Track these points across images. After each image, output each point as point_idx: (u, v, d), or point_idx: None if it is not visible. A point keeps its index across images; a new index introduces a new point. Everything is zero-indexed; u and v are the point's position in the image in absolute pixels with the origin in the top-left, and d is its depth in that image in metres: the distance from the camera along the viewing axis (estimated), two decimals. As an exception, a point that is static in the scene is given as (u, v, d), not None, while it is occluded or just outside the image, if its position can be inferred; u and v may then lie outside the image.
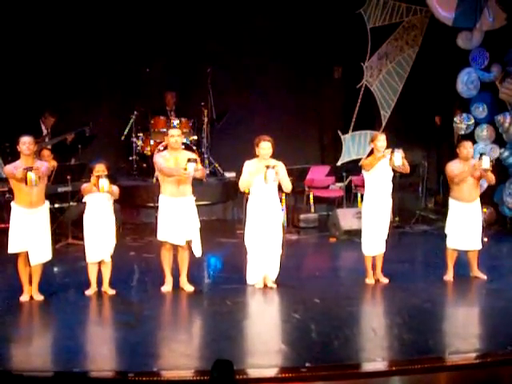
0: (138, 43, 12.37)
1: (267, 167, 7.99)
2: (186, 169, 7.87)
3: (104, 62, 12.31)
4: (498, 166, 11.45)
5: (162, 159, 8.11)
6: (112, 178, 8.08)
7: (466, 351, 6.56)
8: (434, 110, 12.65)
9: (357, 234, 9.15)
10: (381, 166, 8.40)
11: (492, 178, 8.63)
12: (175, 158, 8.06)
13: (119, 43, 12.28)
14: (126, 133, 12.34)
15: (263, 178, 8.01)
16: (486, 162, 8.35)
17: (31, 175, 7.41)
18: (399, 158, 8.29)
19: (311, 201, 11.98)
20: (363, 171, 8.55)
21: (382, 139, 8.43)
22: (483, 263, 8.85)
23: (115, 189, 8.00)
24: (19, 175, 7.45)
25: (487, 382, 5.99)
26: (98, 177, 7.75)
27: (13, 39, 11.77)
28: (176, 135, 8.15)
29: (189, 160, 7.91)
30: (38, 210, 7.69)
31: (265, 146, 8.14)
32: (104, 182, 7.74)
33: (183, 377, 5.98)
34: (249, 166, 8.22)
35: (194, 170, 7.90)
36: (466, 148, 8.53)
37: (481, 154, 8.55)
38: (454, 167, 8.54)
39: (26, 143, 7.56)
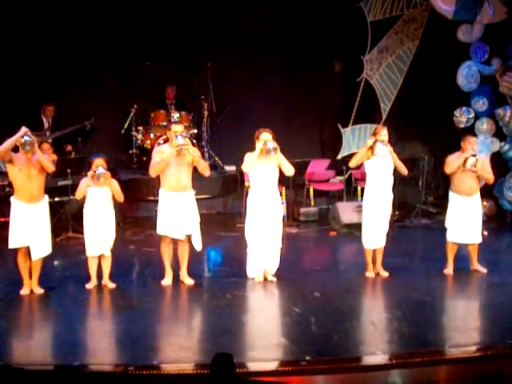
0: (138, 37, 12.35)
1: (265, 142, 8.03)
2: (176, 144, 7.89)
3: (104, 56, 12.28)
4: (498, 159, 11.48)
5: (157, 156, 8.06)
6: (112, 172, 8.08)
7: (465, 344, 6.58)
8: (435, 103, 12.63)
9: (357, 227, 9.15)
10: (381, 160, 8.39)
11: (488, 178, 8.62)
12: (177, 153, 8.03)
13: (119, 37, 12.25)
14: (126, 126, 12.34)
15: (263, 149, 8.02)
16: (470, 163, 8.33)
17: (26, 137, 7.49)
18: (381, 148, 8.24)
19: (311, 194, 11.99)
20: (364, 163, 8.52)
21: (383, 133, 8.39)
22: (483, 257, 8.84)
23: (115, 185, 8.00)
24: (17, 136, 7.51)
25: (487, 375, 6.00)
26: (95, 171, 7.80)
27: (13, 33, 11.76)
28: (179, 132, 8.11)
29: (176, 136, 7.93)
30: (38, 204, 7.69)
31: (266, 137, 8.12)
32: (100, 170, 7.78)
33: (183, 370, 5.99)
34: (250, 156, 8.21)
35: (183, 139, 7.92)
36: (471, 144, 8.50)
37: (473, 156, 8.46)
38: (452, 159, 8.51)
39: (23, 137, 7.55)
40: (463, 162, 8.35)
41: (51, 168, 7.84)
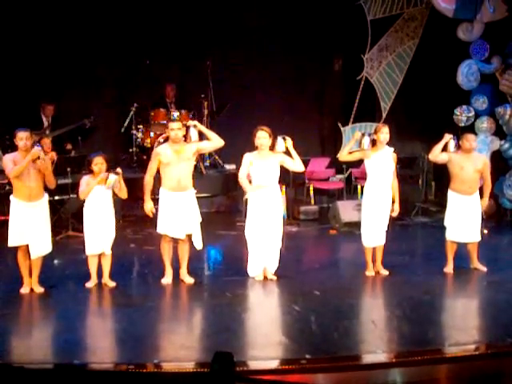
0: (137, 35, 12.35)
1: (283, 138, 8.13)
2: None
3: (104, 55, 12.30)
4: (499, 158, 11.48)
5: (154, 162, 8.04)
6: (111, 170, 8.05)
7: (465, 343, 6.58)
8: (435, 101, 12.64)
9: (357, 225, 9.14)
10: (381, 158, 8.40)
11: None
12: (176, 152, 8.01)
13: (119, 35, 12.26)
14: (126, 125, 12.34)
15: (276, 146, 8.16)
16: (452, 146, 8.44)
17: (35, 151, 7.45)
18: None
19: (311, 193, 11.99)
20: (365, 161, 8.53)
21: (385, 131, 8.42)
22: (483, 255, 8.84)
23: (122, 185, 8.00)
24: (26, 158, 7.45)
25: (487, 373, 6.00)
26: (109, 171, 7.77)
27: (13, 31, 11.75)
28: (176, 128, 8.09)
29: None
30: (38, 203, 7.67)
31: (261, 136, 8.13)
32: (112, 178, 7.76)
33: (183, 369, 5.98)
34: (248, 157, 8.22)
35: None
36: (469, 141, 8.51)
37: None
38: (446, 156, 8.52)
39: (23, 139, 7.51)
40: (444, 145, 8.44)
41: (54, 185, 7.81)
